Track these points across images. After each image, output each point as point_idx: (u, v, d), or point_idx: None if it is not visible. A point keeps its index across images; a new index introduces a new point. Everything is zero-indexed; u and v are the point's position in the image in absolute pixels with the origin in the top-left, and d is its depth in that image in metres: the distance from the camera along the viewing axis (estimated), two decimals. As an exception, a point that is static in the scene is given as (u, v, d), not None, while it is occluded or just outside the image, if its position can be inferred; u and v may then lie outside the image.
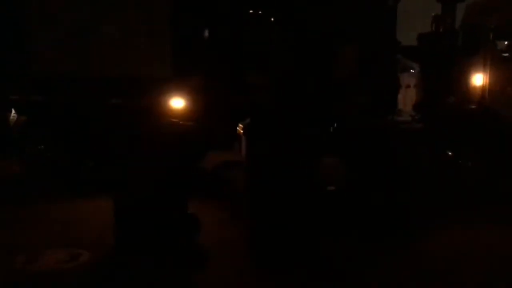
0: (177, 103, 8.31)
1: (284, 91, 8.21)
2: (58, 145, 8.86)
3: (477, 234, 6.78)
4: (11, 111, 9.49)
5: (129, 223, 5.46)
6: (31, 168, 9.03)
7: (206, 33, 8.42)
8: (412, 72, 12.87)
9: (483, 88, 8.99)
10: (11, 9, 8.83)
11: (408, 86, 12.86)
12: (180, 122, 7.51)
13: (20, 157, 9.23)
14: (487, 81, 8.96)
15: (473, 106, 9.12)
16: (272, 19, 8.86)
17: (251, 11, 8.81)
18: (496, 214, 7.52)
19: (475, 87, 9.08)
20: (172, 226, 5.46)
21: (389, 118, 9.58)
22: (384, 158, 8.10)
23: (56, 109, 8.70)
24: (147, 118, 7.60)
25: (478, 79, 9.00)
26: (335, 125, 8.67)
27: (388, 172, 7.87)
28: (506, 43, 8.98)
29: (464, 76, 9.29)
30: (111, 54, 8.35)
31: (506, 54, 8.97)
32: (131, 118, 8.20)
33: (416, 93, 11.44)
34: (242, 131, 8.56)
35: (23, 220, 7.19)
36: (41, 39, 8.62)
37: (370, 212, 7.01)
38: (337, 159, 8.00)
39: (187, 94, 8.26)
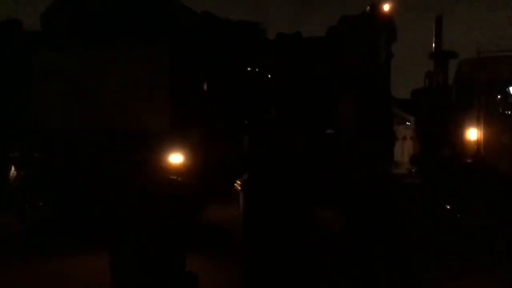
0: (176, 157, 8.40)
1: (282, 142, 8.34)
2: (57, 201, 8.88)
3: (475, 285, 6.72)
4: (11, 168, 9.55)
5: (124, 279, 5.43)
6: (30, 224, 9.01)
7: (205, 87, 8.64)
8: (408, 124, 13.06)
9: (478, 141, 9.10)
10: (14, 67, 9.08)
11: (404, 138, 13.00)
12: (178, 179, 7.58)
13: (20, 214, 9.21)
14: (482, 134, 9.08)
15: (469, 160, 9.20)
16: (269, 75, 9.12)
17: (248, 68, 9.08)
18: (494, 266, 7.50)
19: (470, 141, 9.20)
20: (168, 285, 5.41)
21: (387, 170, 9.67)
22: (383, 210, 8.13)
23: (56, 165, 8.78)
24: (145, 174, 7.67)
25: (473, 133, 9.13)
26: (333, 175, 8.75)
27: (387, 223, 7.88)
28: (499, 97, 9.16)
29: (459, 130, 9.42)
30: (110, 109, 8.52)
31: (500, 108, 9.13)
32: (129, 173, 8.28)
33: (412, 146, 11.56)
34: (240, 187, 8.63)
35: (21, 277, 7.13)
36: (42, 96, 8.82)
37: (370, 261, 7.00)
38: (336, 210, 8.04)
39: (186, 148, 8.37)
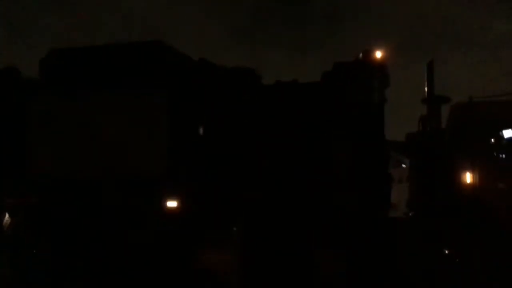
0: (172, 203, 8.37)
1: (277, 187, 8.35)
2: (52, 248, 8.77)
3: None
4: (5, 214, 9.46)
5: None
6: (23, 271, 8.86)
7: (202, 132, 8.69)
8: (403, 166, 13.09)
9: (474, 185, 9.12)
10: (10, 114, 9.13)
11: (400, 181, 13.02)
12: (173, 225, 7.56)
13: (13, 261, 9.07)
14: (478, 178, 9.11)
15: (466, 204, 9.19)
16: (265, 120, 9.19)
17: (244, 113, 9.16)
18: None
19: (466, 185, 9.22)
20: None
21: (384, 213, 9.65)
22: (382, 253, 8.07)
23: (51, 212, 8.71)
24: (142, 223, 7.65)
25: (468, 177, 9.16)
26: (332, 218, 8.73)
27: (388, 267, 7.81)
28: (492, 141, 9.24)
29: (454, 174, 9.46)
30: (107, 155, 8.52)
31: (494, 152, 9.20)
32: (124, 219, 8.23)
33: (408, 189, 11.57)
34: (235, 232, 8.57)
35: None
36: (39, 143, 8.83)
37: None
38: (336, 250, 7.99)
39: (183, 193, 8.35)
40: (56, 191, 8.65)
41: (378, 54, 9.29)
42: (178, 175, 8.21)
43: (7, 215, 9.36)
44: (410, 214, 10.16)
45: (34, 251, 8.92)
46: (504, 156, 9.14)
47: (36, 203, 8.85)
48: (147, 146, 8.36)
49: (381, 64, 9.43)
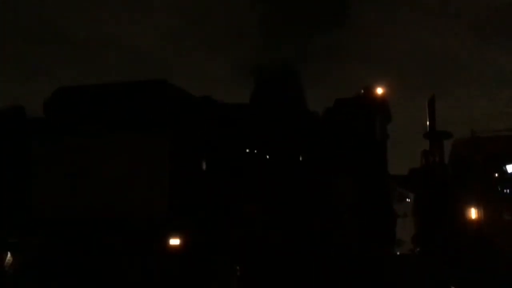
0: (175, 241, 8.31)
1: (281, 222, 8.30)
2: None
3: None
4: (7, 253, 9.40)
5: None
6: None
7: (205, 169, 8.69)
8: (408, 201, 13.03)
9: (479, 220, 9.06)
10: (15, 153, 9.18)
11: (405, 215, 12.93)
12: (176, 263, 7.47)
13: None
14: (482, 214, 9.06)
15: (471, 240, 9.10)
16: (268, 156, 9.22)
17: (247, 150, 9.19)
18: None
19: (471, 220, 9.15)
20: None
21: (390, 250, 9.55)
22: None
23: (54, 252, 8.65)
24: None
25: (473, 212, 9.11)
26: (333, 252, 8.64)
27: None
28: (496, 175, 9.23)
29: (459, 209, 9.41)
30: (110, 195, 8.50)
31: (497, 187, 9.17)
32: (127, 259, 8.16)
33: (414, 224, 11.47)
34: (238, 270, 8.49)
35: None
36: (42, 182, 8.84)
37: None
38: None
39: (185, 232, 8.29)
40: (59, 230, 8.61)
41: (379, 91, 9.40)
42: (180, 213, 8.17)
43: (9, 255, 9.30)
44: (416, 250, 10.06)
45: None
46: (508, 191, 9.11)
47: (38, 243, 8.79)
48: (149, 185, 8.34)
49: (382, 100, 9.52)
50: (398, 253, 10.53)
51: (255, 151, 9.18)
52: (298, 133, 8.99)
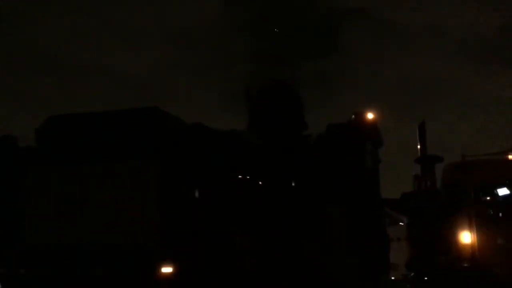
0: (165, 269, 8.21)
1: (271, 255, 8.23)
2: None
3: None
4: (-3, 284, 9.25)
5: None
6: None
7: (197, 196, 8.65)
8: (401, 224, 13.00)
9: (472, 245, 9.04)
10: (6, 182, 9.11)
11: (399, 239, 12.88)
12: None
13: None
14: (476, 238, 9.04)
15: (465, 264, 9.07)
16: (260, 182, 9.21)
17: (240, 176, 9.18)
18: None
19: (464, 244, 9.13)
20: None
21: (383, 278, 9.48)
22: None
23: (44, 282, 8.53)
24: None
25: (467, 237, 9.09)
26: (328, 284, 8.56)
27: None
28: (488, 198, 9.24)
29: (452, 234, 9.39)
30: (101, 224, 8.42)
31: (490, 210, 9.18)
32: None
33: (407, 248, 11.42)
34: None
35: None
36: (32, 211, 8.76)
37: None
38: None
39: (175, 261, 8.21)
40: (49, 261, 8.49)
41: (370, 116, 9.47)
42: (172, 241, 8.10)
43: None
44: (409, 276, 10.00)
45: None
46: (501, 214, 9.11)
47: (28, 274, 8.66)
48: (140, 212, 8.29)
49: (373, 125, 9.59)
50: (392, 278, 10.46)
51: (247, 177, 9.16)
52: (291, 159, 9.00)
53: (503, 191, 9.16)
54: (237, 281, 8.33)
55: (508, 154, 9.60)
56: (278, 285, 7.91)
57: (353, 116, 9.53)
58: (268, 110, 9.14)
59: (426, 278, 9.27)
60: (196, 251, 8.18)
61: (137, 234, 8.21)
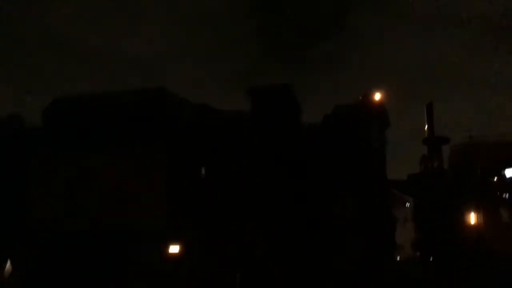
0: (174, 248, 8.28)
1: (278, 240, 8.25)
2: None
3: None
4: (6, 263, 9.38)
5: None
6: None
7: (203, 177, 8.66)
8: (407, 205, 12.98)
9: (478, 225, 9.05)
10: (12, 168, 9.15)
11: (405, 220, 12.88)
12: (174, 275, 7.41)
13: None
14: (482, 218, 9.04)
15: (471, 243, 9.08)
16: (267, 163, 9.18)
17: (246, 158, 9.16)
18: None
19: (470, 224, 9.14)
20: None
21: (390, 258, 9.50)
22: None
23: (53, 262, 8.61)
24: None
25: (472, 217, 9.10)
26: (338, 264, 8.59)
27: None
28: (495, 179, 9.22)
29: (458, 214, 9.40)
30: (108, 209, 8.46)
31: (497, 191, 9.16)
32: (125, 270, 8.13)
33: (414, 229, 11.42)
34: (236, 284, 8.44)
35: None
36: (41, 192, 8.81)
37: None
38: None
39: (184, 239, 8.26)
40: (57, 243, 8.57)
41: (378, 96, 9.40)
42: (179, 221, 8.15)
43: (8, 263, 9.28)
44: (416, 255, 10.03)
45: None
46: (507, 195, 9.09)
47: (38, 254, 8.75)
48: (147, 195, 8.32)
49: (380, 106, 9.52)
50: (398, 258, 10.49)
51: (254, 159, 9.14)
52: (297, 143, 8.95)
53: (510, 172, 9.13)
54: (243, 259, 8.38)
55: (515, 135, 9.53)
56: (285, 263, 7.94)
57: (360, 97, 9.46)
58: (267, 110, 9.10)
59: (431, 258, 9.29)
60: (203, 232, 8.22)
61: (145, 216, 8.26)
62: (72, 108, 9.07)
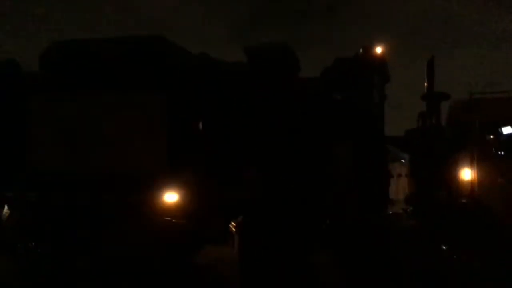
0: (171, 196, 8.36)
1: (277, 187, 8.33)
2: (50, 242, 8.76)
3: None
4: (3, 207, 9.46)
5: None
6: (21, 264, 8.87)
7: (202, 127, 8.67)
8: (403, 161, 13.12)
9: (472, 181, 9.14)
10: (10, 107, 9.10)
11: (400, 175, 13.04)
12: (172, 221, 7.52)
13: (11, 253, 9.07)
14: (476, 174, 9.12)
15: (464, 200, 9.21)
16: (266, 114, 9.17)
17: (246, 107, 9.14)
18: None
19: (465, 181, 9.24)
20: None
21: (382, 212, 9.66)
22: (378, 254, 8.09)
23: (50, 207, 8.70)
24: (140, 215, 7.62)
25: (467, 174, 9.17)
26: (328, 221, 8.74)
27: (382, 267, 7.84)
28: (491, 137, 9.26)
29: (453, 170, 9.48)
30: (107, 150, 8.50)
31: (493, 149, 9.21)
32: (124, 215, 8.23)
33: (407, 184, 11.57)
34: (234, 229, 8.59)
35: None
36: (38, 137, 8.81)
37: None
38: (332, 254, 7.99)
39: (182, 187, 8.34)
40: (55, 187, 8.62)
41: (378, 50, 9.30)
42: (178, 169, 8.20)
43: (6, 207, 9.36)
44: (408, 209, 10.19)
45: (32, 244, 8.91)
46: (503, 153, 9.15)
47: (35, 199, 8.83)
48: (146, 142, 8.34)
49: (381, 60, 9.44)
50: (390, 212, 10.68)
51: (254, 109, 9.12)
52: (296, 96, 8.92)
53: (507, 130, 9.16)
54: (242, 211, 8.50)
55: (515, 93, 9.51)
56: (282, 214, 8.05)
57: (361, 50, 9.35)
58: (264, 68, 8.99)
59: (424, 212, 9.44)
60: (202, 181, 8.29)
61: (142, 162, 8.31)
62: (70, 53, 8.93)
